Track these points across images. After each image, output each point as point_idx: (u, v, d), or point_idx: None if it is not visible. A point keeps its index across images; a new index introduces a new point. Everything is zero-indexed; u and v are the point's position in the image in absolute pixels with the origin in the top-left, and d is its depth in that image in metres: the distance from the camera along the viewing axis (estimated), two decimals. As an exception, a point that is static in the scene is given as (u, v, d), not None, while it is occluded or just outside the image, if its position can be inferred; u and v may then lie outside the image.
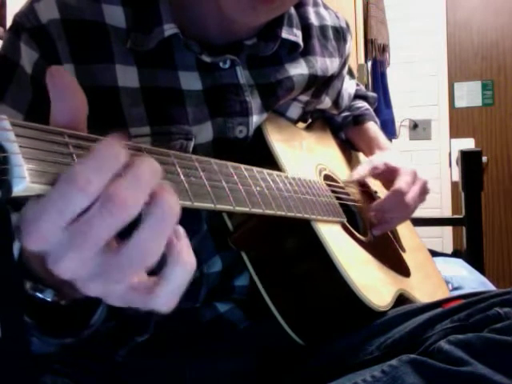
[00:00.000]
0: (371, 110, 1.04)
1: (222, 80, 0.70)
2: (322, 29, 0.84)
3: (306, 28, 0.80)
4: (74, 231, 0.34)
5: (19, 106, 0.65)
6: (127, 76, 0.66)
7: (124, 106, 0.65)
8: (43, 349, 0.52)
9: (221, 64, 0.70)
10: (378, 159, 0.89)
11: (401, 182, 0.83)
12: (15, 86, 0.65)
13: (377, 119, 1.03)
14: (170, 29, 0.66)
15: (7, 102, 0.65)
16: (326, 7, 0.87)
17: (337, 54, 0.86)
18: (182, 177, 0.44)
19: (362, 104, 1.04)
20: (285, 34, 0.74)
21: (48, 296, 0.48)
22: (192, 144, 0.67)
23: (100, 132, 0.40)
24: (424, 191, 0.87)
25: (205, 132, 0.69)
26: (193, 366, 0.72)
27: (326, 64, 0.82)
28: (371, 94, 1.10)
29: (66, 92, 0.38)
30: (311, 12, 0.82)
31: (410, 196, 0.83)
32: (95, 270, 0.35)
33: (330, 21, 0.86)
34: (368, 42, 2.89)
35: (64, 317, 0.50)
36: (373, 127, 0.99)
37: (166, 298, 0.38)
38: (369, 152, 0.96)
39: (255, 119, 0.72)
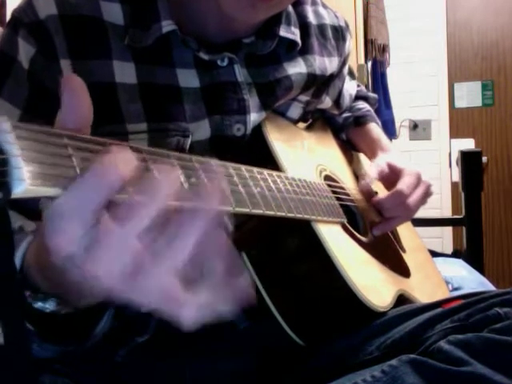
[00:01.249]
0: (372, 111, 1.04)
1: (220, 78, 0.70)
2: (321, 28, 0.84)
3: (304, 27, 0.80)
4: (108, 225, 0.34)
5: (16, 101, 0.65)
6: (125, 72, 0.66)
7: (121, 102, 0.65)
8: (42, 353, 0.52)
9: (219, 62, 0.70)
10: (382, 161, 0.89)
11: (402, 184, 0.83)
12: (12, 81, 0.66)
13: (378, 120, 1.03)
14: (167, 25, 0.66)
15: (4, 96, 0.66)
16: (324, 6, 0.87)
17: (336, 54, 0.86)
18: (182, 178, 0.44)
19: (363, 105, 1.03)
20: (283, 33, 0.74)
21: (50, 305, 0.48)
22: (189, 141, 0.68)
23: (98, 128, 0.40)
24: (427, 194, 0.86)
25: (202, 129, 0.69)
26: (193, 366, 0.72)
27: (325, 63, 0.82)
28: (372, 94, 1.10)
29: (77, 98, 0.38)
30: (309, 11, 0.82)
31: (412, 198, 0.82)
32: (129, 264, 0.35)
33: (328, 20, 0.86)
34: (368, 42, 2.88)
35: (66, 326, 0.50)
36: (375, 128, 0.99)
37: (194, 310, 0.37)
38: (370, 153, 0.95)
39: (253, 117, 0.72)
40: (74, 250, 0.35)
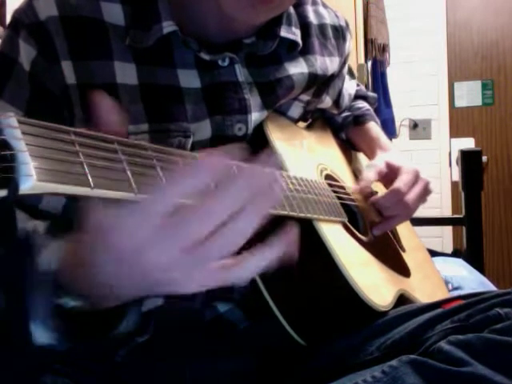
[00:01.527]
0: (372, 111, 1.04)
1: (221, 78, 0.70)
2: (321, 27, 0.84)
3: (305, 27, 0.80)
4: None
5: (17, 103, 0.65)
6: (126, 73, 0.66)
7: (123, 103, 0.65)
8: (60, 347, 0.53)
9: (220, 62, 0.70)
10: (380, 161, 0.88)
11: (400, 182, 0.83)
12: (13, 82, 0.65)
13: (377, 119, 1.03)
14: (168, 26, 0.66)
15: (6, 98, 0.66)
16: (325, 6, 0.87)
17: (336, 53, 0.86)
18: None
19: (362, 104, 1.03)
20: (283, 33, 0.74)
21: (76, 302, 0.49)
22: (190, 141, 0.68)
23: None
24: (426, 192, 0.86)
25: (203, 129, 0.69)
26: (193, 366, 0.72)
27: (326, 63, 0.82)
28: (371, 94, 1.10)
29: (107, 114, 0.42)
30: (310, 11, 0.82)
31: (410, 196, 0.82)
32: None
33: (329, 19, 0.86)
34: (368, 42, 2.88)
35: (86, 323, 0.51)
36: (374, 127, 0.99)
37: (251, 270, 0.44)
38: (370, 152, 0.95)
39: (254, 117, 0.72)
40: (141, 244, 0.40)
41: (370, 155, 0.95)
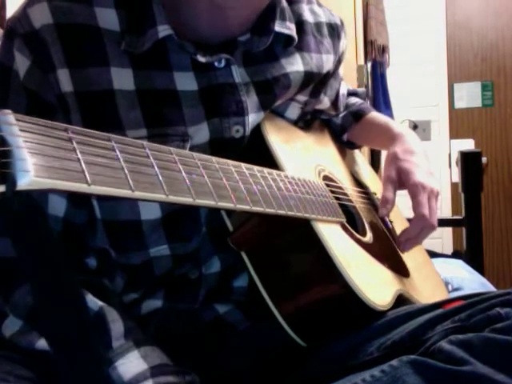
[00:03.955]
0: (366, 103, 1.04)
1: (218, 79, 0.70)
2: (317, 25, 0.83)
3: (301, 24, 0.79)
4: None
5: (19, 111, 0.65)
6: (122, 78, 0.65)
7: (120, 108, 0.65)
8: None
9: (216, 63, 0.70)
10: (392, 171, 0.88)
11: (423, 209, 0.83)
12: (13, 92, 0.66)
13: (374, 110, 1.02)
14: (163, 30, 0.65)
15: (11, 109, 0.65)
16: (319, 4, 0.87)
17: (332, 51, 0.85)
18: (183, 174, 0.44)
19: (355, 100, 1.03)
20: (278, 28, 0.73)
21: None
22: (188, 145, 0.67)
23: None
24: (436, 199, 0.89)
25: (201, 133, 0.69)
26: (193, 367, 0.72)
27: (322, 60, 0.82)
28: (360, 89, 1.10)
29: None
30: (305, 9, 0.82)
31: (432, 216, 0.85)
32: None
33: (324, 18, 0.85)
34: (368, 43, 2.88)
35: None
36: (377, 115, 0.99)
37: None
38: (383, 139, 0.95)
39: (251, 119, 0.72)
40: None
41: (383, 142, 0.95)
